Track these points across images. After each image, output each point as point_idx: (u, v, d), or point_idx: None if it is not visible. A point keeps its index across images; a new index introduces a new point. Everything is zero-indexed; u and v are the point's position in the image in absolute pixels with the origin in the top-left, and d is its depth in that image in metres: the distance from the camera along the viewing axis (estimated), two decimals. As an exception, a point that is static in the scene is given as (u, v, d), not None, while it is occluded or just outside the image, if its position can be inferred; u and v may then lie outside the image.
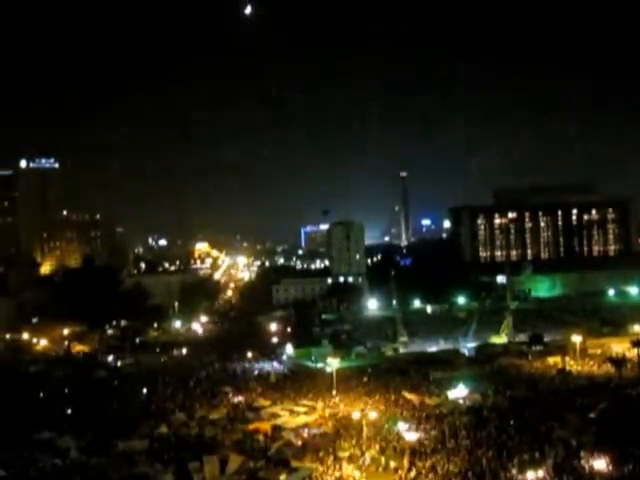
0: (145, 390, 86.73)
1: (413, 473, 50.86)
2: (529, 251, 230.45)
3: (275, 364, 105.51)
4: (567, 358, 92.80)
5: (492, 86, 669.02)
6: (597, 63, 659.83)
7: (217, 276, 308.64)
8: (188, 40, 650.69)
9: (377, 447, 57.10)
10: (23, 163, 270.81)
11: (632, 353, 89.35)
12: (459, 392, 75.92)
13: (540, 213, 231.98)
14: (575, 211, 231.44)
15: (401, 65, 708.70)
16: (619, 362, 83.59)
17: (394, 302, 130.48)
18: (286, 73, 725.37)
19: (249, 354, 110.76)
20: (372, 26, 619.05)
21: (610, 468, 49.13)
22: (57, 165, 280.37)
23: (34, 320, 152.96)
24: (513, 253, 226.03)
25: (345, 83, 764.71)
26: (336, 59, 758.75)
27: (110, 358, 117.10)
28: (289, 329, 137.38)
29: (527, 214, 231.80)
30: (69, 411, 76.39)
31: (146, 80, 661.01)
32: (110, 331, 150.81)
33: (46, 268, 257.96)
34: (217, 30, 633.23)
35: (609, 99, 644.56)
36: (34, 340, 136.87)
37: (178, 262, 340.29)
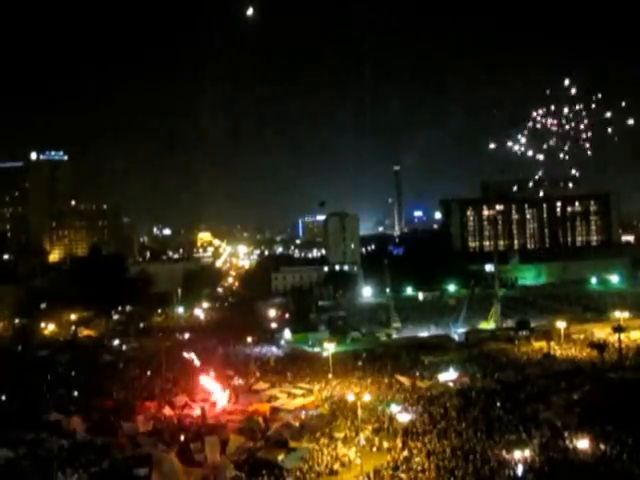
0: (149, 373, 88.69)
1: (405, 453, 52.53)
2: (516, 241, 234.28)
3: (274, 348, 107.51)
4: (552, 343, 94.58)
5: (483, 81, 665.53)
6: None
7: (219, 264, 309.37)
8: (194, 34, 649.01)
9: (371, 428, 58.83)
10: (33, 155, 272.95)
11: (613, 338, 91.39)
12: (449, 375, 77.77)
13: (526, 205, 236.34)
14: (559, 203, 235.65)
15: (396, 60, 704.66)
16: (601, 347, 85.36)
17: (387, 289, 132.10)
18: (284, 67, 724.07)
19: (249, 339, 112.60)
20: (369, 20, 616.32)
21: (593, 447, 50.59)
22: (66, 157, 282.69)
23: (43, 306, 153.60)
24: (500, 243, 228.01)
25: (341, 77, 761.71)
26: (333, 53, 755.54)
27: (116, 342, 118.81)
28: (287, 315, 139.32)
29: (514, 206, 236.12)
30: (76, 393, 78.11)
31: (152, 74, 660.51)
32: (116, 316, 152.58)
33: (55, 256, 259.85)
34: (221, 27, 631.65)
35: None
36: (42, 325, 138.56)
37: (181, 251, 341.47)
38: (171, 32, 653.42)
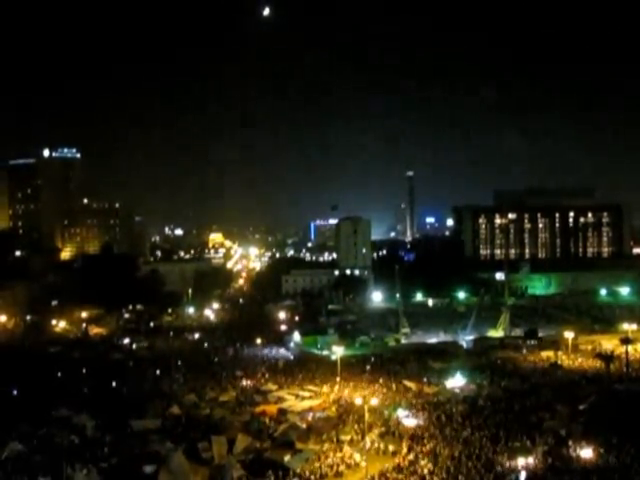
0: (158, 372, 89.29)
1: (411, 457, 53.10)
2: (527, 250, 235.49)
3: (283, 350, 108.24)
4: (559, 353, 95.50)
5: (496, 90, 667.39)
6: (595, 67, 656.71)
7: (230, 265, 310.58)
8: (210, 34, 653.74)
9: (377, 432, 59.45)
10: (46, 152, 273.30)
11: (620, 350, 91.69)
12: (456, 382, 78.27)
13: (539, 215, 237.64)
14: (572, 214, 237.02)
15: (410, 68, 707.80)
16: (608, 358, 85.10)
17: (397, 295, 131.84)
18: (299, 73, 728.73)
19: (258, 340, 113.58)
20: (379, 26, 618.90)
21: (596, 457, 51.00)
22: (79, 155, 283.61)
23: (54, 303, 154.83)
24: (512, 252, 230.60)
25: (354, 84, 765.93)
26: (345, 59, 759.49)
27: (126, 341, 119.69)
28: (297, 318, 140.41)
29: (526, 215, 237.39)
30: (86, 390, 78.90)
31: (167, 74, 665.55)
32: (126, 315, 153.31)
33: (66, 254, 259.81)
34: (233, 28, 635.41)
35: (608, 104, 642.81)
36: (54, 322, 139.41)
37: (193, 251, 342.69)
38: (186, 32, 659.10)
